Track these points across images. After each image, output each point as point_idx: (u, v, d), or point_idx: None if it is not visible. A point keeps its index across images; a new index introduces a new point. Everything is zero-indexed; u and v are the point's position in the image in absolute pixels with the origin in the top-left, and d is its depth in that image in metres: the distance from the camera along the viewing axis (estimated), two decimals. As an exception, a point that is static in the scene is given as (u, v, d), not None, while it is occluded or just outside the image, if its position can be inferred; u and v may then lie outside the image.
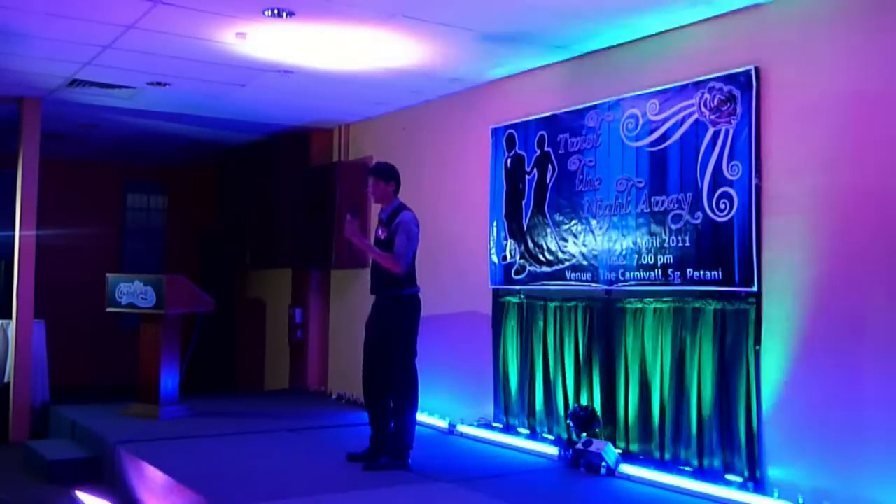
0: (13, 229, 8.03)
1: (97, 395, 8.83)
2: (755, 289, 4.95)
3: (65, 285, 10.92)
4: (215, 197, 11.60)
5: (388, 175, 5.69)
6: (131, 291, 7.43)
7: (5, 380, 8.04)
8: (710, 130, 5.25)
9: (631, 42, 5.87)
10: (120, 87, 7.44)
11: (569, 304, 6.19)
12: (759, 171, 4.98)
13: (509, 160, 6.82)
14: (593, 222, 6.03)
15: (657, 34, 5.69)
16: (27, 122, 7.98)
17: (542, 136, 6.52)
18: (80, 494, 5.81)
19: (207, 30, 5.81)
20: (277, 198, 9.68)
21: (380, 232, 5.65)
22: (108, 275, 7.73)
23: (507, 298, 6.75)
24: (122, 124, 9.13)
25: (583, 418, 5.76)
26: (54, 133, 9.42)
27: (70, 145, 10.43)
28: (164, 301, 7.27)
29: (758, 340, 4.94)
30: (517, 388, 6.58)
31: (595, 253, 5.99)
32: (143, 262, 11.80)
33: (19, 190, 7.93)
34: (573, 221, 6.19)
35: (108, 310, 7.64)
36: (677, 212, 5.43)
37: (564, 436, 5.99)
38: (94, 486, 6.03)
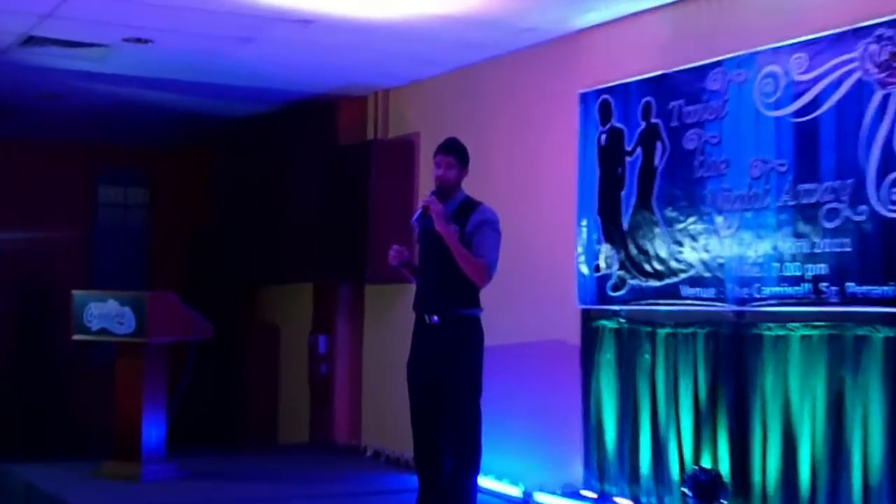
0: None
1: (60, 450, 8.96)
2: (942, 310, 4.89)
3: (18, 304, 11.14)
4: (211, 189, 11.73)
5: (467, 158, 5.80)
6: (104, 313, 7.54)
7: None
8: (879, 94, 5.18)
9: (769, -25, 5.85)
10: (88, 44, 7.55)
11: (685, 331, 6.16)
12: (946, 148, 4.93)
13: (604, 136, 6.81)
14: (718, 220, 5.99)
15: (804, -36, 5.65)
16: (-31, 93, 8.18)
17: (647, 103, 6.49)
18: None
19: (202, -32, 5.90)
20: (293, 189, 9.76)
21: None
22: (74, 292, 7.86)
23: (602, 322, 6.74)
24: (91, 94, 9.28)
25: (704, 484, 5.73)
26: (3, 108, 9.62)
27: (24, 123, 10.63)
28: (147, 326, 7.38)
29: (945, 380, 4.87)
30: (615, 444, 6.56)
31: (721, 261, 5.95)
32: (119, 275, 11.97)
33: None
34: (691, 219, 6.16)
35: (75, 337, 7.79)
36: (833, 205, 5.37)
37: (680, 509, 5.98)
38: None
